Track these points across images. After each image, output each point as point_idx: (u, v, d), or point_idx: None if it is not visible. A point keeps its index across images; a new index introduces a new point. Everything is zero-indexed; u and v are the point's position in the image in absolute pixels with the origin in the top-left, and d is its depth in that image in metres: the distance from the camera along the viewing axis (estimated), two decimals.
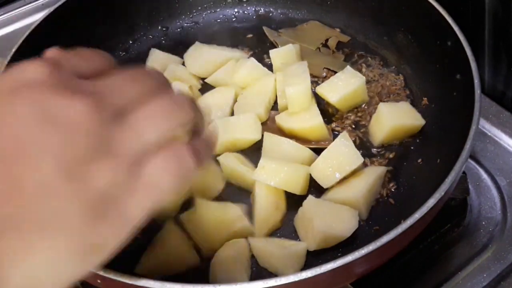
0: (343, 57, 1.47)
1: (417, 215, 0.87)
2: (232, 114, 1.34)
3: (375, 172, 1.16)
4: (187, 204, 1.17)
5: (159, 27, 1.59)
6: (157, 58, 1.47)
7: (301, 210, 1.11)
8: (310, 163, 1.17)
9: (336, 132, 1.29)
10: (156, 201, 0.53)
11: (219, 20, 1.63)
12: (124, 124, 0.52)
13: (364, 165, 1.19)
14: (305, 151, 1.21)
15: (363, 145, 1.27)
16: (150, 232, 1.14)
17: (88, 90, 0.51)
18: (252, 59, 1.40)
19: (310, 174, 1.16)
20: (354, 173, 1.15)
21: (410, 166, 1.22)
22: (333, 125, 1.32)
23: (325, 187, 1.15)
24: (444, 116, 1.22)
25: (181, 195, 1.14)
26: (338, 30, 1.54)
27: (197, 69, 1.44)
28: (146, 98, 0.54)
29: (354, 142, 1.24)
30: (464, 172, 1.22)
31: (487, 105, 1.42)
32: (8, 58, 1.21)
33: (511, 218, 1.23)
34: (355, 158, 1.14)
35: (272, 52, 1.42)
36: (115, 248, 0.52)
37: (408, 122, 1.24)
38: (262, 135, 1.26)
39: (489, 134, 1.37)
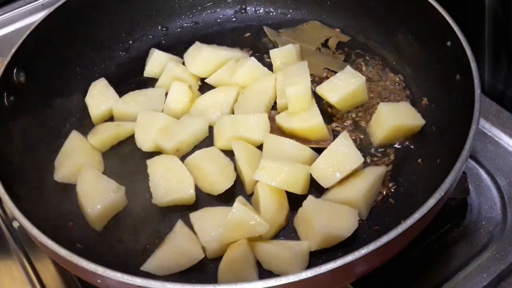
0: (343, 57, 1.48)
1: (417, 215, 0.87)
2: (232, 113, 1.34)
3: (375, 172, 1.16)
4: (196, 203, 1.18)
5: (159, 27, 1.60)
6: (157, 58, 1.47)
7: (301, 210, 1.11)
8: (311, 162, 1.17)
9: (336, 132, 1.29)
10: None
11: (219, 20, 1.63)
12: None
13: (364, 165, 1.19)
14: (306, 151, 1.21)
15: (363, 145, 1.28)
16: (158, 232, 1.16)
17: None
18: (252, 59, 1.41)
19: (311, 174, 1.16)
20: (354, 173, 1.15)
21: (410, 166, 1.22)
22: (333, 125, 1.32)
23: (325, 187, 1.15)
24: (444, 116, 1.22)
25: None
26: (338, 30, 1.54)
27: (197, 68, 1.44)
28: None
29: (354, 142, 1.24)
30: (464, 172, 1.22)
31: (487, 105, 1.43)
32: (8, 58, 1.21)
33: (511, 218, 1.23)
34: (356, 158, 1.14)
35: (272, 52, 1.42)
36: None
37: (408, 122, 1.24)
38: None
39: (489, 134, 1.38)
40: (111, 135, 1.32)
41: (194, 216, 1.14)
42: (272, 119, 1.31)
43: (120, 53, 1.54)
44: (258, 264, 1.08)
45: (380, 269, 0.94)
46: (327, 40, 1.52)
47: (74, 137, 1.31)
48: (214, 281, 1.04)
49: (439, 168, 1.09)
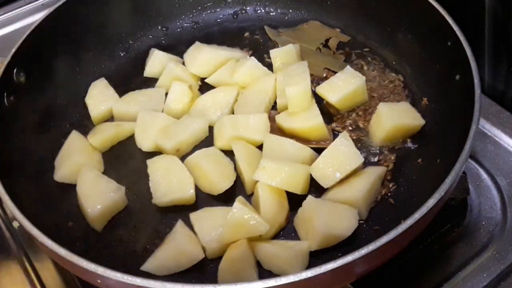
0: (344, 57, 1.48)
1: (417, 215, 0.87)
2: (232, 113, 1.34)
3: (375, 172, 1.16)
4: (196, 204, 1.18)
5: (159, 27, 1.59)
6: (157, 58, 1.47)
7: (301, 210, 1.11)
8: (311, 162, 1.17)
9: (336, 132, 1.29)
10: None
11: (219, 20, 1.63)
12: None
13: (364, 165, 1.19)
14: (306, 151, 1.21)
15: (363, 145, 1.27)
16: (158, 232, 1.16)
17: None
18: (252, 58, 1.40)
19: (311, 174, 1.16)
20: (354, 173, 1.15)
21: (410, 166, 1.22)
22: (333, 125, 1.32)
23: (325, 187, 1.14)
24: (444, 116, 1.22)
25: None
26: (338, 30, 1.54)
27: (197, 68, 1.44)
28: None
29: (354, 142, 1.23)
30: (464, 172, 1.22)
31: (487, 105, 1.42)
32: (8, 58, 1.21)
33: (511, 218, 1.23)
34: (356, 158, 1.14)
35: (272, 52, 1.42)
36: None
37: (408, 122, 1.24)
38: None
39: (489, 134, 1.37)
40: (111, 135, 1.32)
41: (194, 216, 1.14)
42: (272, 119, 1.31)
43: (120, 53, 1.54)
44: (258, 264, 1.08)
45: (380, 269, 0.94)
46: (327, 40, 1.52)
47: (74, 137, 1.31)
48: (214, 281, 1.04)
49: (439, 168, 1.09)
